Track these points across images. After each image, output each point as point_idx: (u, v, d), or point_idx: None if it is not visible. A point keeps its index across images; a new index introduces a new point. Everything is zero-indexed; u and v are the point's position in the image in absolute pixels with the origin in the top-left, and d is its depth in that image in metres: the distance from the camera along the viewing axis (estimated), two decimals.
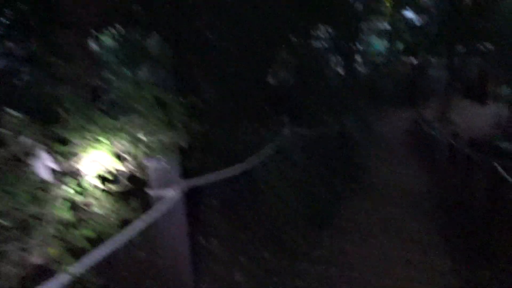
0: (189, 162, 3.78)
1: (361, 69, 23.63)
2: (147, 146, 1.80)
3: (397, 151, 13.02)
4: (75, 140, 1.78)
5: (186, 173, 2.44)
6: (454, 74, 18.70)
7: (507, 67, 15.41)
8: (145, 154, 1.88)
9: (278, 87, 12.47)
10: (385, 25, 26.00)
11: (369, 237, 4.56)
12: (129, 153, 1.88)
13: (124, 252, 2.78)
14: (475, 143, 5.68)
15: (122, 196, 1.83)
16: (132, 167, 1.94)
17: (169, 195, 2.10)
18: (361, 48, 25.63)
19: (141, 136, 1.90)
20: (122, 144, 1.76)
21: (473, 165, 5.47)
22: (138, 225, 1.78)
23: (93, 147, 1.86)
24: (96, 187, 1.75)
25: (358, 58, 23.27)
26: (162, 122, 1.82)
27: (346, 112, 12.56)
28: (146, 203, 2.10)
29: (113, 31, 6.60)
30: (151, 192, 2.12)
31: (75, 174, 1.75)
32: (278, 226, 4.12)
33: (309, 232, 4.38)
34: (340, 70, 21.32)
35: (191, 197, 4.04)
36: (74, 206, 1.57)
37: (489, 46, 23.00)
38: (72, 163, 1.81)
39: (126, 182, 1.84)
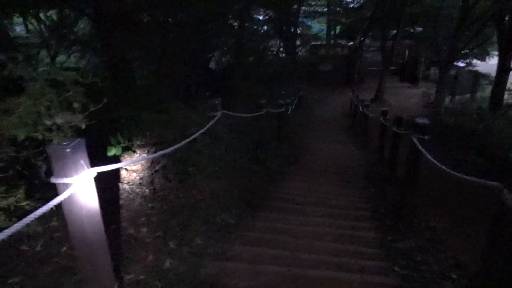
0: (108, 147, 3.60)
1: (301, 52, 24.02)
2: (45, 129, 1.63)
3: (333, 130, 13.55)
4: None
5: (103, 159, 2.28)
6: (388, 56, 19.61)
7: (435, 49, 16.44)
8: (44, 138, 1.71)
9: (216, 71, 12.34)
10: (323, 8, 26.57)
11: None
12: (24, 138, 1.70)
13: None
14: (401, 121, 6.03)
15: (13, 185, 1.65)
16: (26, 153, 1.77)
17: (75, 182, 1.95)
18: (300, 30, 25.99)
19: (36, 118, 1.72)
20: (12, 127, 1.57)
21: (398, 139, 5.88)
22: (33, 215, 1.63)
23: None
24: None
25: (297, 41, 23.61)
26: (57, 104, 1.65)
27: (285, 93, 12.76)
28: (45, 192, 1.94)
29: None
30: (54, 179, 1.96)
31: None
32: (209, 208, 4.08)
33: (242, 215, 4.38)
34: (280, 54, 21.52)
35: (106, 184, 3.88)
36: None
37: (418, 29, 24.41)
38: None
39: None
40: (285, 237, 3.93)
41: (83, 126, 1.83)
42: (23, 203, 1.56)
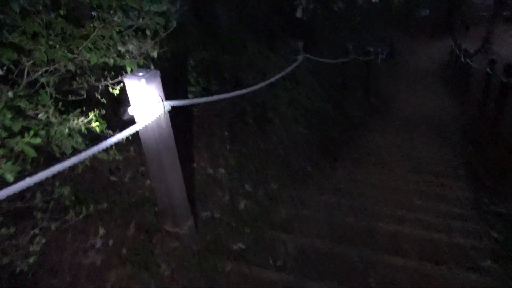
0: (187, 85, 3.62)
1: None
2: (117, 55, 1.61)
3: (427, 81, 12.27)
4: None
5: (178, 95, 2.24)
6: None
7: None
8: (116, 64, 1.69)
9: (301, 19, 11.78)
10: None
11: None
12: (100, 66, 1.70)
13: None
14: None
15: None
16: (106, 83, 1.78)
17: (150, 113, 1.95)
18: None
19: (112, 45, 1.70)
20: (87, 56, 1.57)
21: (506, 92, 5.04)
22: (109, 141, 1.66)
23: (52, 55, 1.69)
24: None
25: None
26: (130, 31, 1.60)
27: (375, 41, 11.78)
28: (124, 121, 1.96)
29: None
30: (130, 110, 1.98)
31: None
32: (286, 154, 3.98)
33: (320, 163, 4.22)
34: None
35: (183, 120, 3.94)
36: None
37: None
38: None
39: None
40: (365, 189, 3.70)
41: (155, 55, 1.78)
42: (94, 125, 1.57)
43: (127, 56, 1.67)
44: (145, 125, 1.96)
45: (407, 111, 7.59)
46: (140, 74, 1.91)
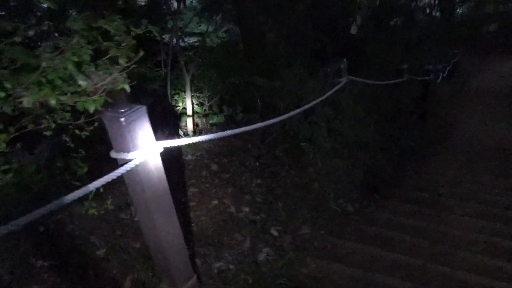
0: (210, 114, 3.29)
1: (460, 9, 20.33)
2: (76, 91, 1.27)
3: (496, 105, 10.94)
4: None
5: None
6: None
7: None
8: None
9: (354, 36, 11.24)
10: None
11: None
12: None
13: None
14: None
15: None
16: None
17: (136, 157, 1.60)
18: None
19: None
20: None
21: None
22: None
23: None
24: None
25: None
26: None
27: (435, 59, 10.86)
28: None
29: None
30: (112, 153, 1.64)
31: None
32: (323, 191, 3.47)
33: (364, 203, 3.65)
34: (434, 13, 18.59)
35: (206, 147, 3.58)
36: None
37: None
38: None
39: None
40: (417, 238, 3.07)
41: (127, 88, 1.43)
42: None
43: (89, 92, 1.32)
44: (127, 171, 1.61)
45: (472, 141, 6.63)
46: (122, 110, 1.57)
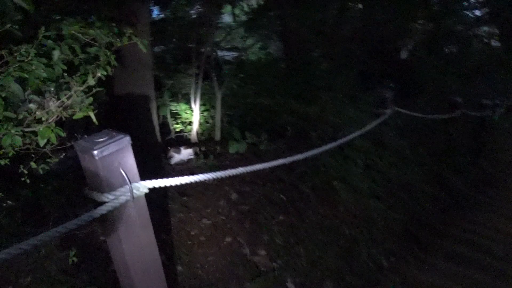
0: (230, 141, 2.92)
1: None
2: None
3: None
4: None
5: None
6: None
7: None
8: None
9: (403, 61, 10.64)
10: None
11: None
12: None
13: None
14: None
15: None
16: None
17: (113, 199, 1.26)
18: None
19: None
20: None
21: None
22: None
23: None
24: None
25: None
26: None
27: (494, 92, 9.98)
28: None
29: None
30: (87, 192, 1.32)
31: None
32: (354, 238, 2.99)
33: (401, 255, 3.13)
34: (494, 41, 17.43)
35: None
36: None
37: None
38: None
39: None
40: None
41: (93, 118, 1.11)
42: None
43: (43, 118, 1.00)
44: (105, 216, 1.28)
45: None
46: (97, 139, 1.24)
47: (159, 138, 4.26)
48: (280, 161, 2.02)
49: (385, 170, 3.36)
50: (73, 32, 1.10)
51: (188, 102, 4.62)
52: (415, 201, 3.61)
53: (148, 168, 3.74)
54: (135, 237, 1.38)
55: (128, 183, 1.28)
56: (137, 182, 1.33)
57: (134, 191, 1.31)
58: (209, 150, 4.24)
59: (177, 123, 4.69)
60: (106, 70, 1.22)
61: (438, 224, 3.83)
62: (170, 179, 1.45)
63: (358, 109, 3.37)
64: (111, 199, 1.25)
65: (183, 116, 4.71)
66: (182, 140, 4.81)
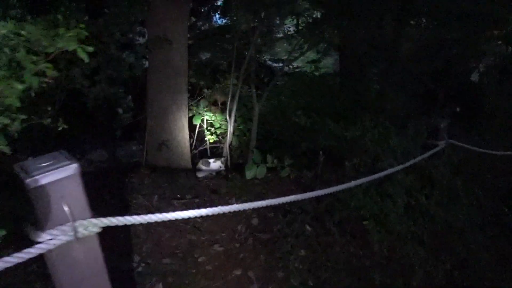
0: (247, 165, 2.62)
1: None
2: None
3: None
4: None
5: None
6: None
7: None
8: None
9: (474, 84, 9.75)
10: None
11: None
12: None
13: None
14: None
15: None
16: None
17: (54, 238, 1.03)
18: None
19: None
20: None
21: None
22: None
23: None
24: None
25: None
26: None
27: None
28: None
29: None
30: (28, 228, 1.09)
31: None
32: None
33: None
34: None
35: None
36: None
37: None
38: None
39: None
40: None
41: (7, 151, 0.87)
42: None
43: None
44: (46, 257, 1.05)
45: None
46: (42, 164, 1.02)
47: (187, 148, 4.10)
48: (293, 197, 1.71)
49: (430, 211, 2.87)
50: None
51: (224, 112, 4.41)
52: (466, 249, 3.06)
53: (171, 180, 3.55)
54: (82, 285, 1.13)
55: (71, 220, 1.04)
56: (85, 219, 1.09)
57: (81, 230, 1.07)
58: (239, 167, 3.99)
59: (211, 134, 4.50)
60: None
61: (493, 279, 3.23)
62: (134, 217, 1.19)
63: (405, 137, 2.92)
64: (47, 240, 1.02)
65: (218, 127, 4.51)
66: (214, 152, 4.62)
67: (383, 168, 2.61)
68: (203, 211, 1.45)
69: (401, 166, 2.55)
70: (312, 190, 1.99)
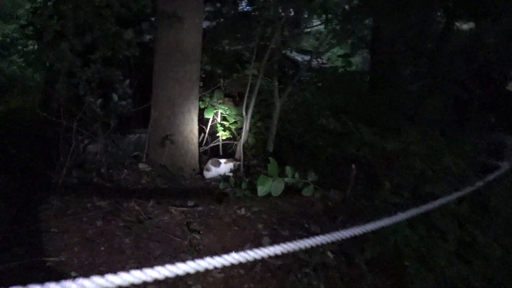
0: (260, 178, 2.11)
1: None
2: None
3: None
4: None
5: None
6: None
7: None
8: None
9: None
10: None
11: None
12: None
13: None
14: None
15: None
16: None
17: None
18: None
19: None
20: None
21: None
22: None
23: None
24: None
25: None
26: None
27: None
28: None
29: None
30: None
31: None
32: None
33: None
34: None
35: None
36: None
37: None
38: None
39: None
40: None
41: None
42: None
43: None
44: None
45: None
46: None
47: (195, 145, 3.59)
48: (313, 240, 1.18)
49: (487, 249, 2.29)
50: None
51: (240, 107, 3.88)
52: None
53: (173, 180, 3.04)
54: None
55: None
56: None
57: None
58: (253, 171, 3.46)
59: (224, 130, 3.98)
60: None
61: None
62: None
63: (460, 155, 2.33)
64: None
65: (232, 123, 3.99)
66: (227, 151, 4.10)
67: (432, 193, 2.04)
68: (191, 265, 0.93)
69: (455, 195, 1.98)
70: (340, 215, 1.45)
